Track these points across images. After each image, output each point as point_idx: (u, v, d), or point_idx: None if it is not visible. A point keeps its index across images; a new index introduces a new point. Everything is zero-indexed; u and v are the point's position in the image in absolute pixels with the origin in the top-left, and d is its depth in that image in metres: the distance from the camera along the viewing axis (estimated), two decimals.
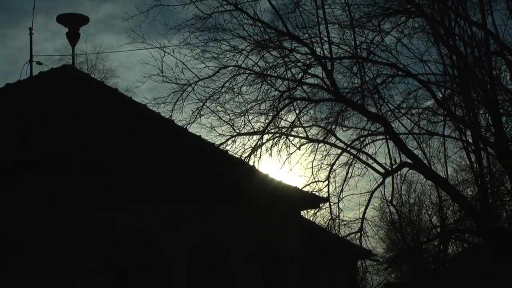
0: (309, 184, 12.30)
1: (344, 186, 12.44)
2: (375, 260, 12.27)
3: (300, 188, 11.97)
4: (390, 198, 12.35)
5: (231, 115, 12.17)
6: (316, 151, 12.33)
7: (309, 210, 12.37)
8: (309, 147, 12.43)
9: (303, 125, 12.33)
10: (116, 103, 14.21)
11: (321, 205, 11.92)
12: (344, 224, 12.13)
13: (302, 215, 13.29)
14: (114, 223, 11.50)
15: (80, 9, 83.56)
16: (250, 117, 12.06)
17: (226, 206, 12.80)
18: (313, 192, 11.77)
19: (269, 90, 12.34)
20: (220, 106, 12.12)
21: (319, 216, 12.65)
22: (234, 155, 12.09)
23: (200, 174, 12.58)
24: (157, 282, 12.66)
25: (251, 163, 12.33)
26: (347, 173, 12.47)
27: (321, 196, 11.83)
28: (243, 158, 12.13)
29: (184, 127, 12.45)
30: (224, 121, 12.15)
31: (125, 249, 12.33)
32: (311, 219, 12.91)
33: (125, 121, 13.96)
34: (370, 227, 12.80)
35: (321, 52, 12.02)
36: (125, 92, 16.08)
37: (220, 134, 12.30)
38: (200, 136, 12.45)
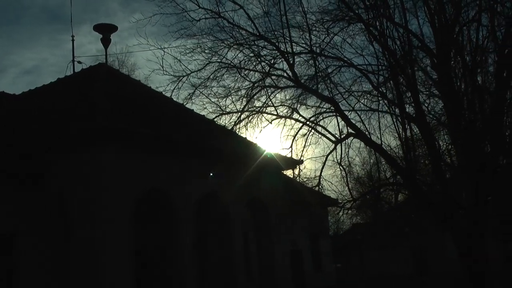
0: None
1: (303, 152, 16.02)
2: (341, 207, 15.82)
3: (281, 154, 15.75)
4: (340, 160, 15.95)
5: (218, 98, 15.58)
6: (284, 125, 15.87)
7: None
8: (279, 122, 15.92)
9: (274, 105, 15.86)
10: (138, 90, 17.96)
11: (297, 166, 15.67)
12: (307, 179, 15.81)
13: (284, 173, 17.52)
14: (139, 183, 15.22)
15: (115, 18, 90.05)
16: (234, 102, 15.50)
17: (224, 167, 16.85)
18: (291, 157, 15.41)
19: (244, 81, 15.88)
20: (208, 96, 15.49)
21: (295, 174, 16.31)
22: (227, 127, 15.52)
23: (201, 142, 16.40)
24: (171, 226, 16.40)
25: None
26: (305, 141, 16.04)
27: (298, 159, 15.51)
28: (234, 130, 15.41)
29: (185, 105, 15.71)
30: (214, 102, 15.48)
31: (147, 203, 15.99)
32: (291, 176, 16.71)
33: (145, 104, 17.74)
34: (326, 182, 16.29)
35: (285, 49, 15.59)
36: (144, 81, 20.28)
37: (210, 112, 15.67)
38: (204, 115, 15.98)
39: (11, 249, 15.51)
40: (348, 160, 16.33)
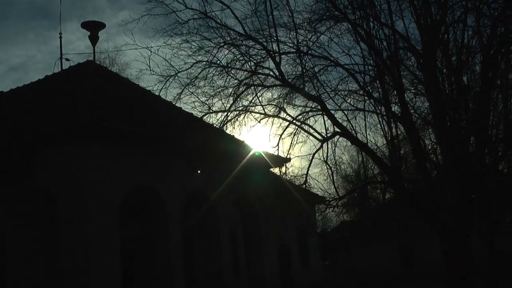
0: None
1: (290, 151, 16.11)
2: (327, 204, 15.93)
3: (269, 152, 15.82)
4: (326, 159, 16.02)
5: (206, 97, 15.63)
6: (272, 124, 15.94)
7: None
8: (267, 121, 15.99)
9: (262, 104, 15.95)
10: (127, 88, 18.01)
11: (285, 164, 15.78)
12: (294, 177, 15.94)
13: (272, 171, 17.58)
14: (126, 180, 15.29)
15: (103, 15, 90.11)
16: (221, 100, 15.57)
17: (212, 165, 16.92)
18: (278, 154, 15.52)
19: (230, 80, 15.93)
20: (196, 94, 15.55)
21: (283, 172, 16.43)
22: (215, 125, 15.59)
23: (189, 140, 16.47)
24: (159, 223, 16.51)
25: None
26: (292, 140, 16.12)
27: (285, 157, 15.63)
28: (224, 129, 15.46)
29: (175, 104, 15.75)
30: (201, 101, 15.53)
31: (134, 199, 16.10)
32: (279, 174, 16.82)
33: (133, 102, 17.79)
34: (313, 180, 16.40)
35: (271, 48, 15.68)
36: (135, 80, 20.22)
37: (199, 111, 15.70)
38: (192, 114, 16.01)
39: (2, 245, 15.63)
40: (335, 159, 16.45)
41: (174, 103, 16.11)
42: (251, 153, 18.86)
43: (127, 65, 36.97)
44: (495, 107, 18.03)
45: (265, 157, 19.02)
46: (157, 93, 15.63)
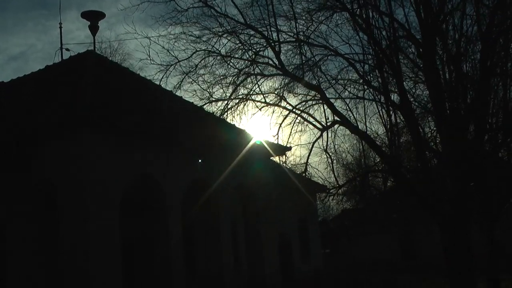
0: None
1: (290, 139, 16.16)
2: (327, 193, 15.99)
3: (270, 141, 15.86)
4: (325, 147, 16.07)
5: (206, 86, 15.69)
6: (272, 113, 15.97)
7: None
8: (268, 110, 16.02)
9: (262, 93, 15.99)
10: (127, 78, 18.05)
11: (285, 153, 15.86)
12: (295, 165, 16.04)
13: (272, 160, 17.71)
14: (126, 170, 15.36)
15: (103, 4, 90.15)
16: (221, 89, 15.63)
17: (213, 154, 17.01)
18: (279, 143, 15.58)
19: (230, 69, 15.98)
20: (197, 81, 15.60)
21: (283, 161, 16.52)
22: (216, 114, 15.64)
23: (189, 129, 16.54)
24: (159, 213, 16.61)
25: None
26: (291, 129, 16.18)
27: (286, 146, 15.69)
28: (224, 118, 15.51)
29: (175, 94, 15.79)
30: (203, 88, 15.58)
31: (135, 190, 16.17)
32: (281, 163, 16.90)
33: (134, 92, 17.84)
34: (313, 169, 16.50)
35: (271, 38, 15.72)
36: (137, 70, 20.28)
37: (200, 98, 15.75)
38: (192, 103, 16.03)
39: (3, 236, 15.73)
40: (335, 147, 16.50)
41: (174, 93, 16.15)
42: (252, 142, 18.92)
43: (129, 55, 37.08)
44: (496, 95, 18.09)
45: (266, 146, 19.07)
46: (157, 83, 15.69)
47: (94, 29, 20.18)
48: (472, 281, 14.52)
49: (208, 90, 15.48)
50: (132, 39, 54.41)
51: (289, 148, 16.41)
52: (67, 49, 23.86)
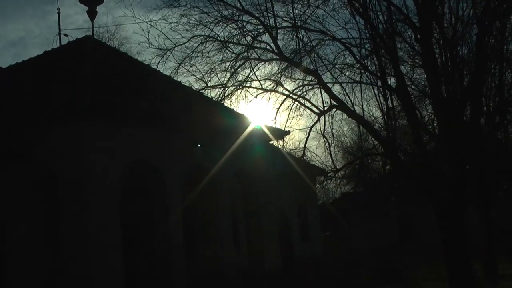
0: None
1: (287, 124, 16.26)
2: (326, 176, 16.11)
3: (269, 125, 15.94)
4: (323, 132, 16.17)
5: (203, 72, 15.74)
6: (269, 98, 16.07)
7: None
8: (265, 95, 16.11)
9: (259, 79, 16.06)
10: (125, 63, 18.08)
11: (284, 137, 15.97)
12: (293, 150, 16.16)
13: (271, 144, 17.83)
14: (126, 156, 15.47)
15: None
16: (218, 75, 15.68)
17: (212, 139, 17.09)
18: (278, 128, 15.68)
19: (228, 54, 16.01)
20: (194, 66, 15.65)
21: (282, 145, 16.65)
22: (214, 99, 15.71)
23: (188, 114, 16.60)
24: (159, 198, 16.74)
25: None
26: (289, 113, 16.29)
27: (285, 130, 15.80)
28: (221, 102, 15.59)
29: (172, 77, 15.82)
30: (197, 77, 15.66)
31: (134, 175, 16.29)
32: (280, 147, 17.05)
33: (132, 77, 17.87)
34: (311, 153, 16.56)
35: (268, 23, 15.76)
36: (135, 55, 20.27)
37: (198, 79, 15.80)
38: (191, 87, 16.07)
39: (4, 224, 15.89)
40: (332, 132, 16.60)
41: (172, 77, 16.21)
42: (251, 126, 18.99)
43: (127, 40, 37.04)
44: (493, 79, 18.17)
45: (266, 130, 19.14)
46: (155, 67, 15.75)
47: (92, 14, 20.24)
48: (468, 264, 14.66)
49: (204, 77, 15.52)
50: (130, 23, 54.31)
51: (288, 132, 16.54)
52: (66, 35, 23.98)
